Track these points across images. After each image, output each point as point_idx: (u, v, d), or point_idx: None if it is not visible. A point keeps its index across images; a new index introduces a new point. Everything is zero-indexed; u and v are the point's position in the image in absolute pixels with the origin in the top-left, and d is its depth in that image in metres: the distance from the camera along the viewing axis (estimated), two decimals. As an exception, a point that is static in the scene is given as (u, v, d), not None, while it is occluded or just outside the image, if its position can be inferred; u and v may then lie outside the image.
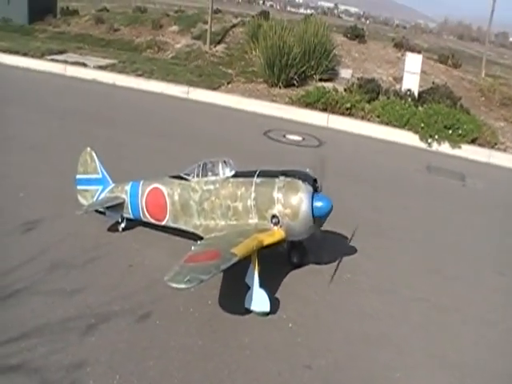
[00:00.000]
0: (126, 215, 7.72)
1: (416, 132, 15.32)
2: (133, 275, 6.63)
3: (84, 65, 19.05)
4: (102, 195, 7.86)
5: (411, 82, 17.71)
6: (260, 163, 10.89)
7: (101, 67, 19.06)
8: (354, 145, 14.40)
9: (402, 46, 24.54)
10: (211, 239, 6.56)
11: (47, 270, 6.46)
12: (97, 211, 7.78)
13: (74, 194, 8.16)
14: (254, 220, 6.69)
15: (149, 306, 5.98)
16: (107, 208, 7.67)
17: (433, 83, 19.27)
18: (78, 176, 8.03)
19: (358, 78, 18.76)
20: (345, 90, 17.60)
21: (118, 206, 7.64)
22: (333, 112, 15.98)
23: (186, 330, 5.69)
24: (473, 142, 15.41)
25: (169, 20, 26.26)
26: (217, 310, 6.10)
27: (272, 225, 6.56)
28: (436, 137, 15.12)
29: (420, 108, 16.28)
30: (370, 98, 17.09)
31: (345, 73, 20.77)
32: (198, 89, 17.42)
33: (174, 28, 25.35)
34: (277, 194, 6.53)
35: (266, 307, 6.04)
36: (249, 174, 6.85)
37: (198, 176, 7.08)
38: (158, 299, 6.11)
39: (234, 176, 6.90)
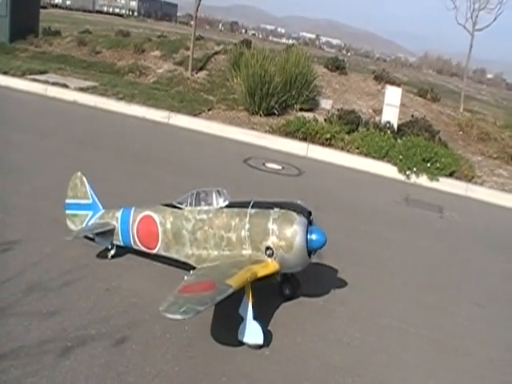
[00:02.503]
0: (116, 242, 7.54)
1: (395, 164, 15.43)
2: (110, 299, 6.47)
3: (65, 86, 18.97)
4: (92, 221, 7.69)
5: (391, 115, 17.88)
6: (240, 190, 10.90)
7: (82, 89, 18.99)
8: (333, 175, 14.44)
9: (382, 78, 24.83)
10: (204, 269, 6.43)
11: (24, 291, 6.28)
12: (86, 237, 7.62)
13: (53, 215, 8.09)
14: (247, 251, 6.58)
15: (125, 330, 5.84)
16: (97, 234, 7.49)
17: (412, 116, 19.45)
18: (68, 200, 7.85)
19: (338, 109, 18.89)
20: (325, 120, 17.73)
21: (109, 233, 7.48)
22: (313, 142, 16.04)
23: (162, 356, 5.55)
24: (451, 175, 15.54)
25: (151, 45, 26.37)
26: (194, 335, 5.98)
27: (266, 256, 6.47)
28: (414, 169, 15.22)
29: (399, 140, 16.41)
30: (350, 129, 17.22)
31: (325, 103, 20.96)
32: (178, 114, 17.41)
33: (157, 53, 25.46)
34: (271, 226, 6.44)
35: (260, 339, 5.91)
36: (243, 205, 6.75)
37: (191, 205, 6.98)
38: (135, 324, 5.98)
39: (228, 206, 6.80)
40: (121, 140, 14.03)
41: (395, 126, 17.64)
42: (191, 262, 6.86)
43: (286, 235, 6.39)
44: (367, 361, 6.13)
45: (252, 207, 6.67)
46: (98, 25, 34.58)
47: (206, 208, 6.87)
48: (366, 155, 15.80)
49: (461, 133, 20.64)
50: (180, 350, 5.72)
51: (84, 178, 7.75)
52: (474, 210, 14.00)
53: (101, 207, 7.72)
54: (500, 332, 7.58)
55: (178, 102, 19.00)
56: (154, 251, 7.25)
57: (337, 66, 24.98)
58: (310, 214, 6.67)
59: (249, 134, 16.24)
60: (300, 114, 18.41)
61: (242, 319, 5.99)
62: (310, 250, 6.53)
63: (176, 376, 5.32)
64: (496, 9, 24.41)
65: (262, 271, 6.23)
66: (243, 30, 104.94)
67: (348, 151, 16.03)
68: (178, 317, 5.15)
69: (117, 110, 17.52)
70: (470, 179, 15.74)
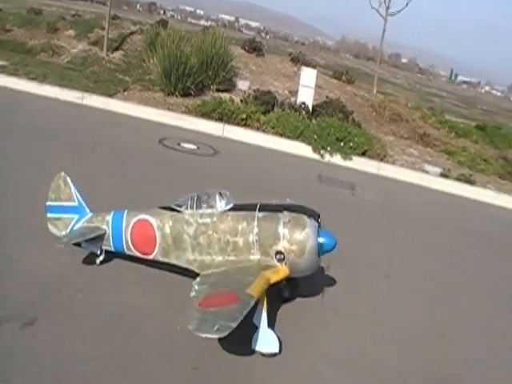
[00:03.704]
0: (106, 247, 7.05)
1: (309, 143, 15.69)
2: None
3: (-29, 65, 18.17)
4: (79, 225, 7.14)
5: (306, 96, 18.12)
6: (154, 170, 10.86)
7: (-10, 69, 18.23)
8: (248, 154, 14.53)
9: (299, 60, 25.09)
10: (214, 277, 6.16)
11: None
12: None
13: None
14: (255, 256, 6.40)
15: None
16: (85, 240, 6.96)
17: (327, 97, 19.79)
18: (49, 203, 7.22)
19: (254, 90, 18.97)
20: (241, 100, 17.77)
21: (98, 238, 6.97)
22: (228, 122, 16.05)
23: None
24: (363, 154, 15.99)
25: (65, 24, 25.45)
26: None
27: (276, 261, 6.32)
28: (328, 148, 15.54)
29: (314, 121, 16.69)
30: (266, 109, 17.34)
31: (242, 84, 20.97)
32: (93, 95, 16.98)
33: (71, 32, 24.64)
34: (282, 230, 6.32)
35: (275, 348, 5.77)
36: (249, 208, 6.55)
37: (191, 208, 6.67)
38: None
39: (233, 209, 6.57)
40: (33, 120, 13.55)
41: (310, 107, 17.90)
42: (193, 267, 6.60)
43: (298, 239, 6.29)
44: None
45: (259, 210, 6.49)
46: (9, 2, 33.08)
47: (209, 211, 6.60)
48: (281, 135, 15.98)
49: (374, 114, 21.20)
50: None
51: (68, 179, 7.17)
52: (385, 188, 14.49)
53: (88, 210, 7.20)
54: (400, 299, 7.96)
55: (93, 82, 18.53)
56: (151, 257, 6.87)
57: (254, 47, 25.01)
58: (318, 216, 6.58)
59: (165, 115, 16.07)
60: (216, 94, 18.37)
61: (255, 328, 5.79)
62: (320, 254, 6.45)
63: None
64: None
65: (274, 277, 6.12)
66: (162, 11, 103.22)
67: (263, 131, 16.15)
68: (214, 336, 5.00)
69: (28, 91, 16.91)
70: (382, 158, 16.24)
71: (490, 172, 18.03)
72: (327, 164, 15.25)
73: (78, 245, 6.92)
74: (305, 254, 6.30)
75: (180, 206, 6.76)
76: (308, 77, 18.43)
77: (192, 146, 13.66)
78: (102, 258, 7.08)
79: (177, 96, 18.15)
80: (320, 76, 23.97)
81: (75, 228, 7.13)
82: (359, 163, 15.59)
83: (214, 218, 6.53)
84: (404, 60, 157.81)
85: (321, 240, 6.37)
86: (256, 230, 6.37)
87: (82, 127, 13.75)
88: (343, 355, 6.19)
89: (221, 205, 6.60)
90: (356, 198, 12.57)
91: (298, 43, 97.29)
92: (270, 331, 5.79)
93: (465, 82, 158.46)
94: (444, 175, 16.43)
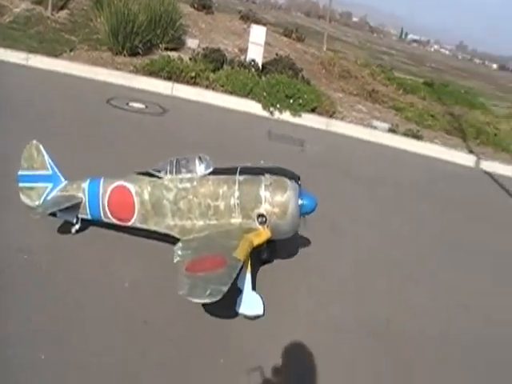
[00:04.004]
0: (82, 216, 6.89)
1: (259, 101, 15.71)
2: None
3: None
4: (53, 193, 6.94)
5: (255, 53, 18.08)
6: (102, 130, 10.77)
7: None
8: (197, 113, 14.46)
9: (249, 18, 24.93)
10: (196, 241, 6.16)
11: None
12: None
13: None
14: (237, 219, 6.38)
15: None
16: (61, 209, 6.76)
17: (276, 55, 19.76)
18: (21, 172, 6.98)
19: (203, 48, 18.81)
20: (190, 59, 17.60)
21: (74, 206, 6.79)
22: (177, 81, 15.92)
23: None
24: (313, 110, 16.11)
25: (5, -18, 24.67)
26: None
27: (258, 224, 6.33)
28: (278, 105, 15.60)
29: (263, 78, 16.70)
30: (215, 67, 17.25)
31: (191, 43, 20.74)
32: (38, 56, 16.58)
33: (12, -9, 23.89)
34: (264, 193, 6.30)
35: (260, 310, 5.83)
36: (230, 171, 6.51)
37: (171, 173, 6.58)
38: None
39: (213, 173, 6.53)
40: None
41: (260, 64, 17.87)
42: (174, 233, 6.53)
43: (280, 201, 6.28)
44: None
45: (240, 174, 6.45)
46: None
47: (189, 176, 6.52)
48: (230, 93, 15.94)
49: (323, 71, 21.30)
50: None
51: (41, 147, 6.88)
52: (333, 143, 14.70)
53: (62, 179, 6.99)
54: (345, 251, 8.24)
55: (38, 42, 18.06)
56: (129, 223, 6.76)
57: (203, 5, 24.66)
58: (299, 178, 6.60)
59: (112, 75, 15.81)
60: (165, 53, 18.16)
61: (240, 291, 5.83)
62: (301, 215, 6.49)
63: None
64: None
65: (256, 240, 6.12)
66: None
67: (213, 89, 16.08)
68: (206, 300, 4.99)
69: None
70: (331, 115, 16.40)
71: (437, 127, 18.41)
72: (277, 121, 15.32)
73: (53, 214, 6.75)
74: (287, 215, 6.32)
75: (159, 172, 6.66)
76: (257, 34, 18.36)
77: (140, 105, 13.53)
78: (77, 226, 6.93)
79: (125, 55, 17.84)
80: (270, 34, 23.91)
81: (50, 197, 6.94)
82: (308, 120, 15.72)
83: (194, 183, 6.49)
84: (355, 19, 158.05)
85: (302, 202, 6.43)
86: (237, 193, 6.35)
87: (27, 89, 13.46)
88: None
89: (200, 169, 6.55)
90: (305, 154, 12.72)
91: (248, 1, 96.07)
92: (254, 293, 5.84)
93: (415, 41, 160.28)
94: (392, 131, 16.72)
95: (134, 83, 15.52)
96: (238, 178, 6.43)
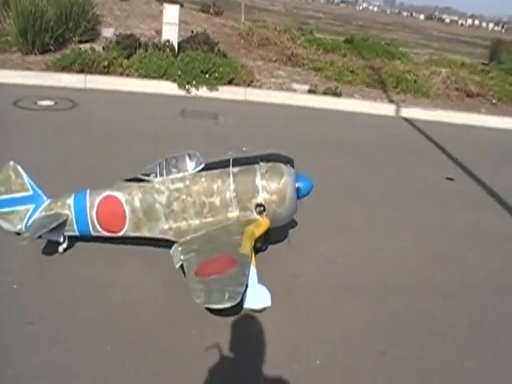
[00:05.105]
0: (69, 233, 6.51)
1: (174, 81, 15.69)
2: None
3: None
4: (37, 215, 6.47)
5: (170, 33, 17.96)
6: (8, 133, 10.64)
7: None
8: (111, 102, 14.34)
9: (165, -1, 24.67)
10: (196, 242, 5.94)
11: None
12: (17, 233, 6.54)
13: None
14: (234, 213, 6.22)
15: None
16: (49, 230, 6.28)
17: (192, 32, 19.69)
18: None
19: (116, 35, 18.63)
20: (103, 48, 17.44)
21: (61, 225, 6.37)
22: (90, 72, 15.76)
23: None
24: (230, 82, 16.16)
25: None
26: None
27: (256, 214, 6.21)
28: (194, 82, 15.61)
29: (178, 57, 16.65)
30: (129, 53, 17.10)
31: (107, 32, 20.47)
32: None
33: None
34: (260, 182, 6.17)
35: (268, 302, 5.61)
36: (222, 165, 6.32)
37: (161, 175, 6.32)
38: None
39: (205, 169, 6.31)
40: None
41: (175, 44, 17.78)
42: (169, 236, 6.30)
43: (278, 188, 6.18)
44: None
45: (233, 165, 6.29)
46: None
47: (181, 175, 6.29)
48: (145, 77, 15.87)
49: (242, 41, 21.29)
50: None
51: (19, 168, 6.42)
52: (250, 112, 14.81)
53: (45, 197, 6.56)
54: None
55: None
56: (120, 234, 6.47)
57: (116, -8, 24.34)
58: (292, 161, 6.50)
59: (21, 76, 15.48)
60: (79, 46, 17.92)
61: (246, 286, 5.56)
62: (298, 199, 6.43)
63: None
64: None
65: (257, 231, 6.04)
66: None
67: (127, 75, 15.99)
68: (227, 305, 4.77)
69: None
70: (248, 84, 16.47)
71: (356, 82, 18.64)
72: (194, 98, 15.34)
73: (38, 236, 6.28)
74: (285, 202, 6.24)
75: (147, 175, 6.42)
76: (171, 14, 18.20)
77: (49, 103, 13.34)
78: (65, 245, 6.58)
79: (36, 54, 17.54)
80: (187, 12, 23.83)
81: (33, 218, 6.48)
82: (225, 92, 15.77)
83: (187, 182, 6.28)
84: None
85: (298, 185, 6.38)
86: (233, 186, 6.20)
87: None
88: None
89: (191, 166, 6.35)
90: (218, 127, 12.81)
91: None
92: (260, 286, 5.65)
93: (343, 2, 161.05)
94: (312, 91, 16.89)
95: (45, 81, 15.29)
96: (232, 170, 6.26)
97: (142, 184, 6.36)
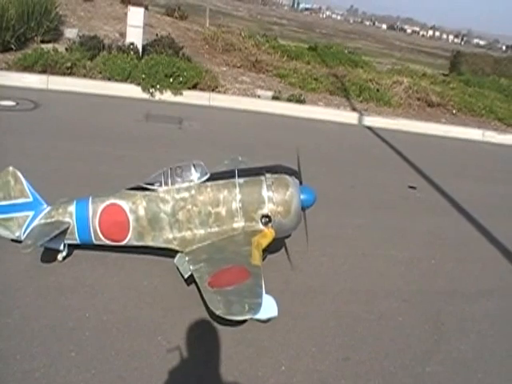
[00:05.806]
0: (69, 241, 6.37)
1: (138, 84, 15.59)
2: None
3: None
4: (36, 222, 6.32)
5: (134, 36, 17.86)
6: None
7: None
8: (74, 104, 14.15)
9: (130, 1, 24.54)
10: (203, 253, 5.94)
11: None
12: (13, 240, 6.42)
13: None
14: (239, 224, 6.23)
15: None
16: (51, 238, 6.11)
17: (156, 35, 19.63)
18: None
19: (79, 36, 18.44)
20: (66, 49, 17.24)
21: (62, 233, 6.22)
22: (53, 73, 15.54)
23: None
24: (194, 87, 16.15)
25: None
26: None
27: (262, 225, 6.21)
28: (158, 86, 15.54)
29: (143, 60, 16.57)
30: (92, 55, 16.94)
31: (69, 33, 20.25)
32: None
33: None
34: (266, 193, 6.19)
35: (274, 312, 5.58)
36: (228, 175, 6.32)
37: (166, 184, 6.25)
38: None
39: (210, 179, 6.28)
40: None
41: (139, 47, 17.69)
42: (173, 246, 6.25)
43: (284, 200, 6.21)
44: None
45: (239, 176, 6.27)
46: None
47: (186, 185, 6.24)
48: (109, 79, 15.74)
49: (207, 46, 21.35)
50: None
51: (18, 173, 6.28)
52: (214, 117, 14.83)
53: (45, 204, 6.42)
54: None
55: None
56: (123, 243, 6.36)
57: (80, -8, 24.12)
58: (296, 173, 6.53)
59: (-19, 75, 15.25)
60: (41, 46, 17.67)
61: None
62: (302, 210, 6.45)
63: None
64: None
65: (263, 242, 6.05)
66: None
67: (90, 77, 15.83)
68: (247, 316, 4.92)
69: None
70: (213, 89, 16.48)
71: (320, 90, 18.84)
72: (157, 102, 15.27)
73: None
74: (291, 213, 6.27)
75: (152, 184, 6.33)
76: (135, 16, 18.10)
77: (10, 103, 13.07)
78: (65, 253, 6.45)
79: (-4, 53, 17.29)
80: (153, 15, 23.77)
81: (33, 226, 6.32)
82: (190, 97, 15.75)
83: (193, 191, 6.24)
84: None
85: (303, 197, 6.42)
86: (239, 196, 6.21)
87: None
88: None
89: (197, 176, 6.30)
90: (182, 131, 12.78)
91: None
92: (267, 296, 5.53)
93: (307, 9, 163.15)
94: (275, 98, 17.00)
95: (5, 81, 14.98)
96: (238, 180, 6.28)
97: (146, 193, 6.29)
